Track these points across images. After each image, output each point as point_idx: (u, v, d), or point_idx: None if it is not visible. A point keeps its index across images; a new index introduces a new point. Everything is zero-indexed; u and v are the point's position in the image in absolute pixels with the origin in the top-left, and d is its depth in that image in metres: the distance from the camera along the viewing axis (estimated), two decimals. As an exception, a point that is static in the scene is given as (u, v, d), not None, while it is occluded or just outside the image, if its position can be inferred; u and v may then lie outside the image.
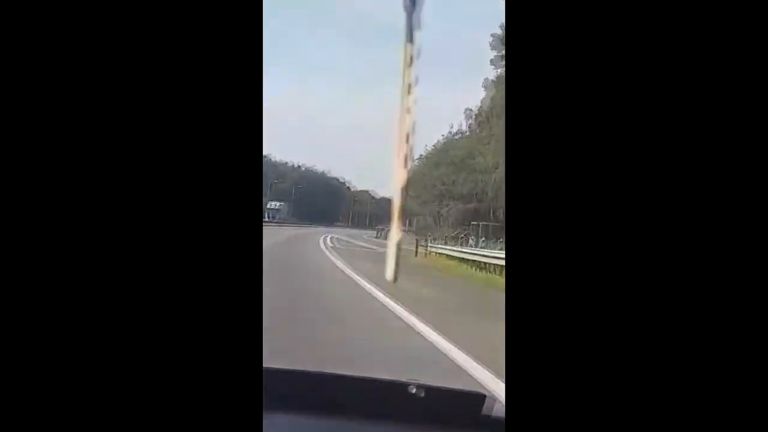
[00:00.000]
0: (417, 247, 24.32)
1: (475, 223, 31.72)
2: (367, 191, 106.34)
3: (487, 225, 30.17)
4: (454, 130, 40.06)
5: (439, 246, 24.30)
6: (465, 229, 31.59)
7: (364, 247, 28.47)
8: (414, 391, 1.14)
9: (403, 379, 1.20)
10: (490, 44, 32.57)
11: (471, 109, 37.53)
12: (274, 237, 27.50)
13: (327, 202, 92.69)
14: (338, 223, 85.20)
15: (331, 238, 35.83)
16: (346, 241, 33.89)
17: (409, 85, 0.73)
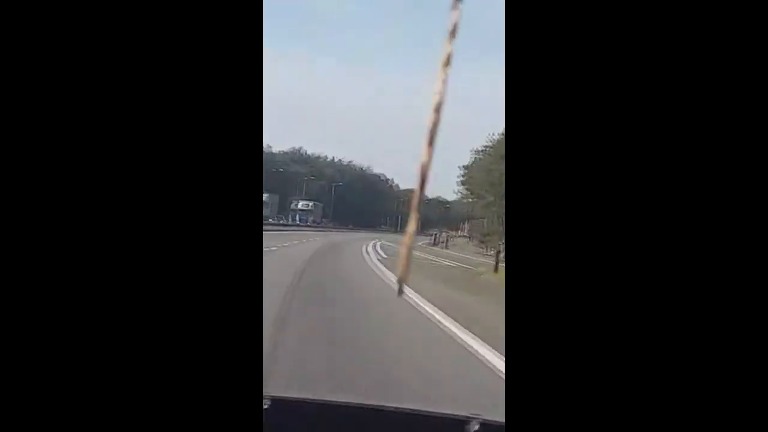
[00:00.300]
0: (497, 261, 17.62)
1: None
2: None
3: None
4: (530, 111, 32.03)
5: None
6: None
7: (428, 259, 21.91)
8: (477, 428, 1.12)
9: (464, 414, 1.14)
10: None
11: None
12: (297, 248, 20.39)
13: (369, 202, 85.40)
14: (383, 227, 77.72)
15: (381, 246, 28.72)
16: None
17: (448, 56, 0.72)
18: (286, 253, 16.86)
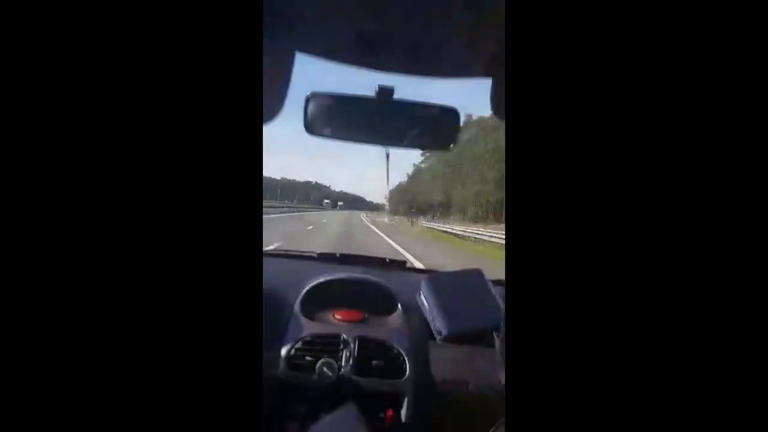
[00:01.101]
0: (412, 222, 52.41)
1: (421, 209, 72.85)
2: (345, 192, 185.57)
3: (434, 214, 66.23)
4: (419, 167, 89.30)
5: (426, 222, 48.95)
6: (420, 214, 70.06)
7: (377, 222, 52.60)
8: (388, 260, 2.04)
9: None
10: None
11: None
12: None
13: (355, 206, 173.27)
14: (364, 209, 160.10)
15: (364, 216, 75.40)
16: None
17: (387, 160, 1.46)
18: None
